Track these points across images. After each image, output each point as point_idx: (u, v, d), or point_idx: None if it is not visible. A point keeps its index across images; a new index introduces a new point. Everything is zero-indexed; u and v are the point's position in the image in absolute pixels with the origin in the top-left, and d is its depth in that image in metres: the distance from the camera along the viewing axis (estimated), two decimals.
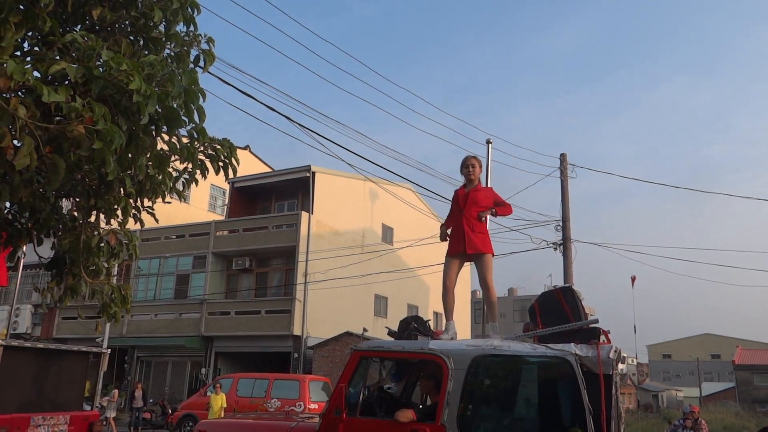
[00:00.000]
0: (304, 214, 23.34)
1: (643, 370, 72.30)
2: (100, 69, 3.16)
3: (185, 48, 4.48)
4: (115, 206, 4.29)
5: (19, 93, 3.14)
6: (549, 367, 4.28)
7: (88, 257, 4.45)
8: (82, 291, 4.63)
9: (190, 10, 4.32)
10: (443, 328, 5.15)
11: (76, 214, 4.61)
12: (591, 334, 4.41)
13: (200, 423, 5.81)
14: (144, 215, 4.60)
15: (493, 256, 5.38)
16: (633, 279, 12.95)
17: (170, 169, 4.29)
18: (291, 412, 12.29)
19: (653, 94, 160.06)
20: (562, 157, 16.40)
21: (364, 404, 4.65)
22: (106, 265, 4.73)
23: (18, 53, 3.65)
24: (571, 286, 5.10)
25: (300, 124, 10.01)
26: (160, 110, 3.45)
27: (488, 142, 13.22)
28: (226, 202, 28.99)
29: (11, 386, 7.96)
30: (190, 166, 4.36)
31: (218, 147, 4.43)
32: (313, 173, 24.23)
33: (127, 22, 4.30)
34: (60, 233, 4.59)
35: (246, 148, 32.60)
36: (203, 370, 23.06)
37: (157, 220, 4.85)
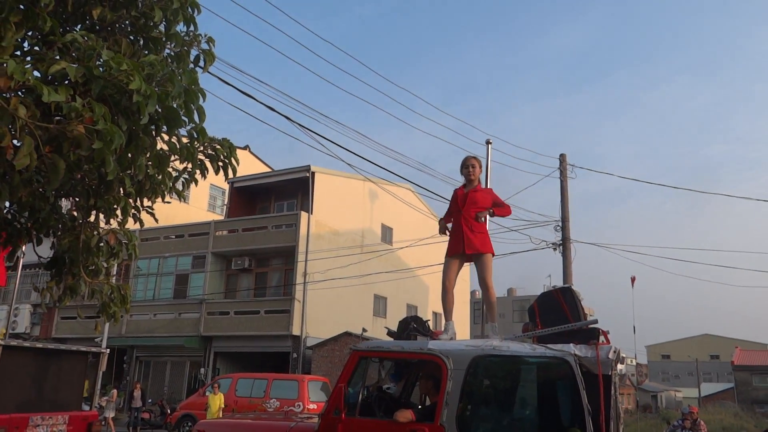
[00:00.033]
0: (304, 214, 23.34)
1: (642, 370, 72.36)
2: (100, 69, 3.16)
3: (185, 48, 4.48)
4: (115, 206, 4.29)
5: (19, 93, 3.14)
6: (548, 367, 4.29)
7: (87, 257, 4.45)
8: (82, 291, 4.63)
9: (190, 9, 4.33)
10: (442, 329, 5.15)
11: (75, 213, 4.61)
12: (590, 335, 4.41)
13: (199, 423, 5.81)
14: (143, 215, 4.60)
15: (494, 255, 5.38)
16: (633, 279, 12.98)
17: (170, 169, 4.29)
18: (290, 412, 12.29)
19: (653, 95, 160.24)
20: (562, 158, 16.41)
21: (363, 404, 4.65)
22: (105, 265, 4.73)
23: (18, 53, 3.65)
24: (571, 287, 5.10)
25: (299, 124, 10.02)
26: (160, 110, 3.46)
27: (488, 142, 13.23)
28: (226, 202, 28.98)
29: (10, 386, 7.96)
30: (189, 166, 4.36)
31: (218, 147, 4.43)
32: (313, 173, 24.23)
33: (127, 22, 4.30)
34: (59, 233, 4.59)
35: (245, 148, 32.60)
36: (202, 370, 23.05)
37: (156, 220, 4.85)
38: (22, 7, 3.32)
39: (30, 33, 3.70)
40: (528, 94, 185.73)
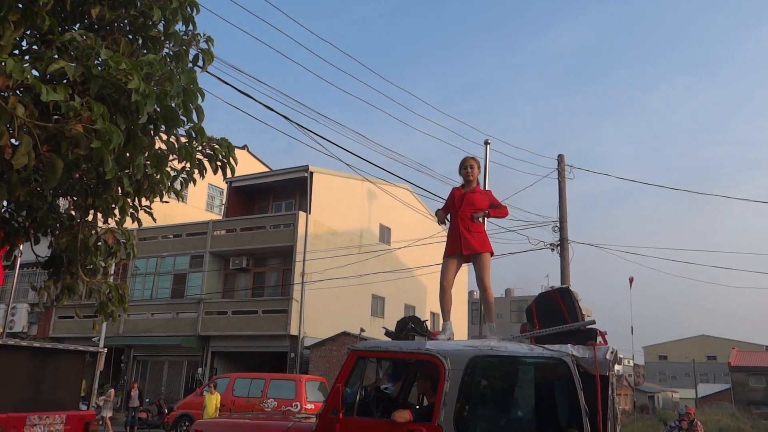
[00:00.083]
0: (302, 214, 23.34)
1: (639, 371, 72.45)
2: (99, 68, 3.16)
3: (184, 47, 4.48)
4: (113, 205, 4.29)
5: (18, 92, 3.14)
6: (546, 367, 4.29)
7: (85, 256, 4.44)
8: (79, 290, 4.63)
9: (189, 9, 4.33)
10: (440, 329, 5.15)
11: (73, 212, 4.61)
12: (588, 335, 4.42)
13: (197, 423, 5.80)
14: (141, 214, 4.59)
15: (492, 254, 5.38)
16: (631, 280, 12.98)
17: (168, 169, 4.29)
18: (287, 412, 12.29)
19: (653, 95, 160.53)
20: (560, 158, 16.43)
21: (361, 404, 4.65)
22: (103, 264, 4.73)
23: (17, 52, 3.65)
24: (568, 287, 5.10)
25: (298, 124, 10.02)
26: (158, 109, 3.46)
27: (486, 142, 13.24)
28: (224, 202, 28.97)
29: (7, 385, 7.94)
30: (188, 165, 4.37)
31: (216, 146, 4.43)
32: (311, 173, 24.23)
33: (125, 21, 4.30)
34: (57, 232, 4.59)
35: (244, 147, 32.58)
36: (200, 370, 23.03)
37: (154, 220, 4.85)
38: (20, 5, 3.32)
39: (29, 32, 3.70)
40: (527, 94, 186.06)
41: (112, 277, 5.06)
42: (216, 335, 23.33)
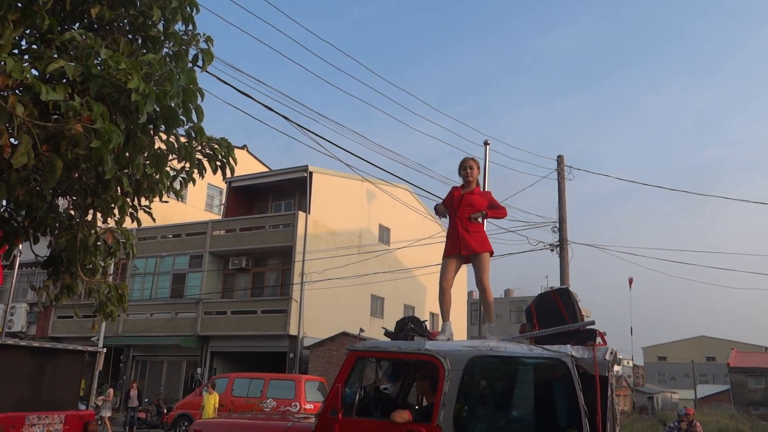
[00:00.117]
0: (301, 214, 23.33)
1: (638, 372, 72.45)
2: (99, 68, 3.16)
3: (184, 47, 4.47)
4: (113, 205, 4.28)
5: (17, 91, 3.13)
6: (545, 368, 4.29)
7: (84, 256, 4.44)
8: (79, 290, 4.62)
9: (188, 9, 4.32)
10: (440, 329, 5.15)
11: (72, 212, 4.60)
12: (587, 336, 4.41)
13: (196, 423, 5.80)
14: (141, 214, 4.59)
15: (492, 253, 5.37)
16: (630, 281, 12.96)
17: (168, 168, 4.28)
18: (287, 412, 12.28)
19: (653, 96, 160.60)
20: (559, 159, 16.43)
21: (360, 404, 4.65)
22: (102, 264, 4.72)
23: (16, 51, 3.65)
24: (568, 288, 5.10)
25: (298, 124, 10.01)
26: (158, 109, 3.45)
27: (486, 143, 13.21)
28: (223, 202, 28.96)
29: (6, 385, 7.94)
30: (187, 165, 4.36)
31: (216, 146, 4.43)
32: (311, 173, 24.22)
33: (125, 21, 4.29)
34: (57, 232, 4.58)
35: (243, 147, 32.57)
36: (199, 370, 23.02)
37: (154, 219, 4.84)
38: (20, 5, 3.32)
39: (28, 31, 3.70)
40: (527, 95, 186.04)
41: (111, 277, 5.06)
42: (215, 335, 23.32)
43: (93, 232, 4.52)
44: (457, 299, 29.58)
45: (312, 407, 14.83)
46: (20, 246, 4.94)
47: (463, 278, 28.42)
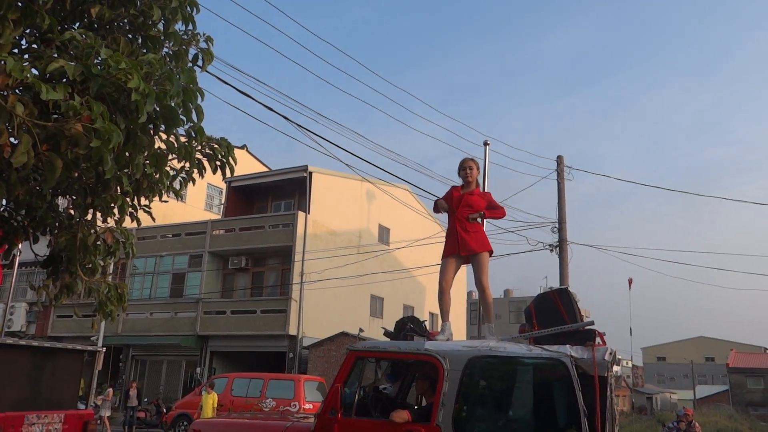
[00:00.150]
0: (301, 214, 23.33)
1: (638, 372, 72.46)
2: (99, 67, 3.16)
3: (184, 47, 4.48)
4: (112, 204, 4.29)
5: (17, 90, 3.14)
6: (544, 368, 4.29)
7: (84, 255, 4.44)
8: (78, 289, 4.63)
9: (189, 8, 4.32)
10: (439, 329, 5.15)
11: (72, 212, 4.60)
12: (587, 336, 4.42)
13: (195, 422, 5.80)
14: (141, 214, 4.59)
15: (491, 252, 5.37)
16: (630, 281, 12.99)
17: (168, 168, 4.28)
18: (286, 412, 12.28)
19: (653, 97, 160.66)
20: (559, 159, 16.44)
21: (360, 404, 4.65)
22: (102, 264, 4.72)
23: (16, 51, 3.65)
24: (567, 288, 5.11)
25: (297, 124, 10.01)
26: (158, 109, 3.45)
27: (485, 143, 13.21)
28: (223, 202, 28.95)
29: (6, 384, 7.93)
30: (187, 165, 4.36)
31: (216, 146, 4.43)
32: (310, 173, 24.22)
33: (125, 21, 4.30)
34: (56, 231, 4.59)
35: (243, 147, 32.56)
36: (198, 370, 23.01)
37: (153, 219, 4.84)
38: (20, 4, 3.32)
39: (28, 31, 3.70)
40: (527, 95, 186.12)
41: (110, 277, 5.06)
42: (215, 335, 23.32)
43: (93, 231, 4.52)
44: (457, 299, 29.59)
45: (311, 407, 14.84)
46: (20, 245, 4.94)
47: (463, 278, 28.42)
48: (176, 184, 4.55)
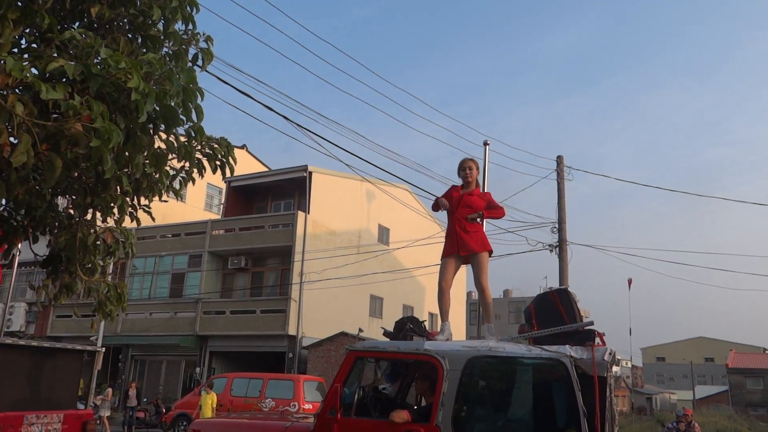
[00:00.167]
0: (301, 214, 23.33)
1: (637, 372, 72.49)
2: (99, 67, 3.16)
3: (184, 46, 4.48)
4: (112, 204, 4.29)
5: (17, 90, 3.14)
6: (544, 368, 4.29)
7: (84, 255, 4.44)
8: (78, 289, 4.63)
9: (188, 8, 4.32)
10: (439, 329, 5.15)
11: (72, 211, 4.60)
12: (586, 336, 4.42)
13: (194, 422, 5.80)
14: (140, 213, 4.59)
15: (491, 252, 5.37)
16: (629, 282, 12.99)
17: (167, 168, 4.28)
18: (285, 412, 12.28)
19: (653, 97, 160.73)
20: (559, 160, 16.44)
21: (359, 405, 4.65)
22: (101, 263, 4.72)
23: (16, 50, 3.65)
24: (567, 288, 5.11)
25: (297, 124, 10.02)
26: (158, 109, 3.45)
27: (485, 143, 13.24)
28: (223, 201, 28.95)
29: (5, 384, 7.93)
30: (187, 164, 4.36)
31: (215, 146, 4.43)
32: (310, 173, 24.22)
33: (125, 20, 4.30)
34: (56, 231, 4.58)
35: (243, 147, 32.56)
36: (198, 370, 23.00)
37: (153, 219, 4.84)
38: (20, 4, 3.32)
39: (28, 30, 3.70)
40: (527, 96, 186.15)
41: (110, 276, 5.06)
42: (214, 335, 23.31)
43: (92, 231, 4.52)
44: (456, 299, 29.59)
45: (311, 407, 14.84)
46: (19, 245, 4.94)
47: (462, 279, 28.42)
48: (176, 184, 4.55)
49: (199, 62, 4.57)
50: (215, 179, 28.45)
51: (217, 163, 4.44)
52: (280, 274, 24.06)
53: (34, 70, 3.20)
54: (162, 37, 4.36)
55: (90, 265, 4.58)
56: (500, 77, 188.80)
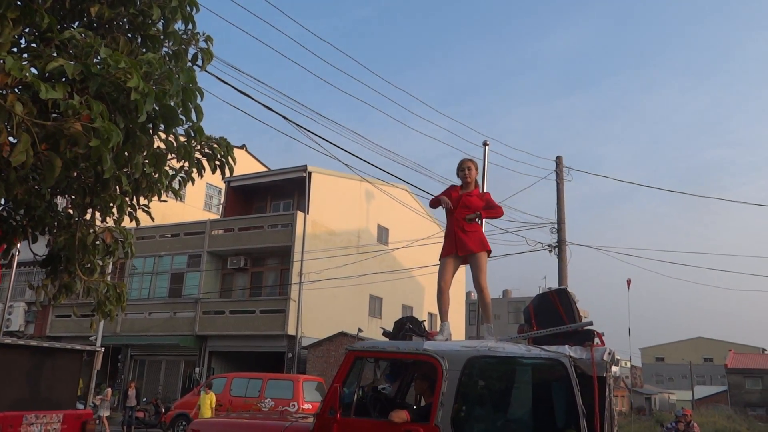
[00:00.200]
0: (300, 214, 23.32)
1: (636, 373, 72.55)
2: (98, 66, 3.16)
3: (183, 46, 4.48)
4: (111, 204, 4.29)
5: (17, 89, 3.13)
6: (543, 368, 4.29)
7: (83, 255, 4.44)
8: (77, 289, 4.62)
9: (188, 8, 4.32)
10: (438, 329, 5.15)
11: (71, 211, 4.60)
12: (585, 337, 4.42)
13: (194, 422, 5.80)
14: (139, 213, 4.59)
15: (490, 252, 5.38)
16: (628, 282, 13.01)
17: (167, 168, 4.28)
18: (285, 412, 12.28)
19: (653, 97, 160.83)
20: (558, 160, 16.45)
21: (359, 404, 4.65)
22: (101, 263, 4.72)
23: (15, 49, 3.64)
24: (566, 288, 5.11)
25: (297, 124, 10.02)
26: (157, 108, 3.45)
27: (485, 143, 13.24)
28: (222, 201, 28.94)
29: (4, 384, 7.92)
30: (186, 164, 4.36)
31: (215, 146, 4.43)
32: (309, 173, 24.21)
33: (125, 20, 4.30)
34: (55, 230, 4.58)
35: (242, 147, 32.55)
36: (197, 370, 23.00)
37: (152, 219, 4.84)
38: (19, 3, 3.32)
39: (27, 30, 3.70)
40: (527, 96, 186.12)
41: (109, 276, 5.06)
42: (213, 335, 23.31)
43: (91, 231, 4.52)
44: (456, 300, 29.59)
45: (310, 407, 14.84)
46: (19, 245, 4.94)
47: (462, 279, 28.41)
48: (175, 184, 4.55)
49: (199, 62, 4.57)
50: (215, 179, 28.45)
51: (217, 163, 4.45)
52: (280, 274, 24.06)
53: (33, 70, 3.20)
54: (162, 37, 4.37)
55: (89, 265, 4.58)
56: (500, 77, 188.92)
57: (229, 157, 4.48)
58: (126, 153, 3.61)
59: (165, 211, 25.40)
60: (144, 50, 4.25)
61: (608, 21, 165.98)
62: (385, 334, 5.10)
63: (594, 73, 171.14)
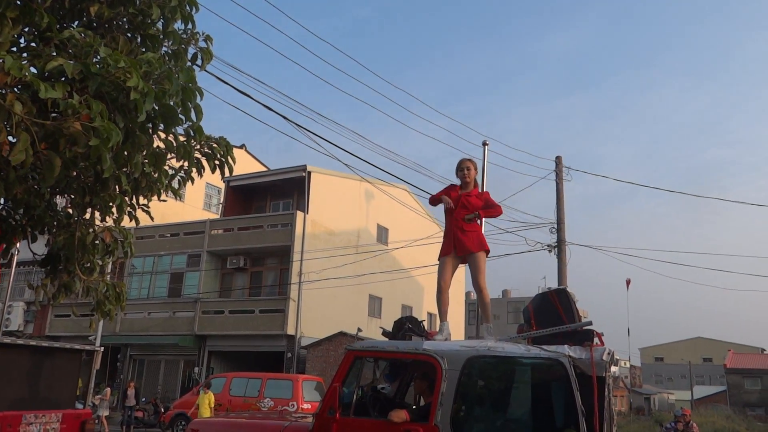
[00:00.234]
0: (300, 214, 23.33)
1: (635, 373, 72.59)
2: (98, 66, 3.16)
3: (183, 46, 4.48)
4: (111, 203, 4.29)
5: (16, 89, 3.13)
6: (542, 368, 4.30)
7: (82, 254, 4.44)
8: (76, 288, 4.62)
9: (188, 7, 4.32)
10: (437, 329, 5.16)
11: (71, 211, 4.60)
12: (585, 336, 4.43)
13: (193, 422, 5.80)
14: (139, 213, 4.59)
15: (488, 252, 5.38)
16: (628, 282, 12.99)
17: (166, 167, 4.28)
18: (284, 412, 12.28)
19: (653, 97, 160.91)
20: (558, 160, 16.46)
21: (358, 404, 4.65)
22: (100, 263, 4.72)
23: (15, 49, 3.64)
24: (565, 288, 5.12)
25: (296, 124, 10.02)
26: (157, 108, 3.45)
27: (484, 143, 13.25)
28: (222, 201, 28.94)
29: (3, 384, 7.92)
30: (186, 164, 4.36)
31: (214, 145, 4.43)
32: (309, 173, 24.22)
33: (124, 19, 4.30)
34: (55, 230, 4.58)
35: (242, 146, 32.54)
36: (196, 369, 23.00)
37: (152, 218, 4.84)
38: (19, 2, 3.32)
39: (27, 29, 3.70)
40: (527, 96, 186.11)
41: (109, 276, 5.06)
42: (213, 334, 23.30)
43: (91, 230, 4.52)
44: (455, 299, 29.60)
45: (309, 407, 14.84)
46: (18, 244, 4.94)
47: (462, 279, 28.42)
48: (175, 184, 4.55)
49: (199, 62, 4.57)
50: (214, 179, 28.47)
51: (216, 162, 4.45)
52: (279, 273, 24.06)
53: (33, 69, 3.20)
54: (161, 37, 4.37)
55: (89, 265, 4.58)
56: (500, 77, 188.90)
57: (229, 157, 4.48)
58: (125, 152, 3.61)
59: (164, 210, 25.39)
60: (143, 50, 4.25)
61: (608, 21, 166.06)
62: (385, 333, 5.10)
63: (594, 73, 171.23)
